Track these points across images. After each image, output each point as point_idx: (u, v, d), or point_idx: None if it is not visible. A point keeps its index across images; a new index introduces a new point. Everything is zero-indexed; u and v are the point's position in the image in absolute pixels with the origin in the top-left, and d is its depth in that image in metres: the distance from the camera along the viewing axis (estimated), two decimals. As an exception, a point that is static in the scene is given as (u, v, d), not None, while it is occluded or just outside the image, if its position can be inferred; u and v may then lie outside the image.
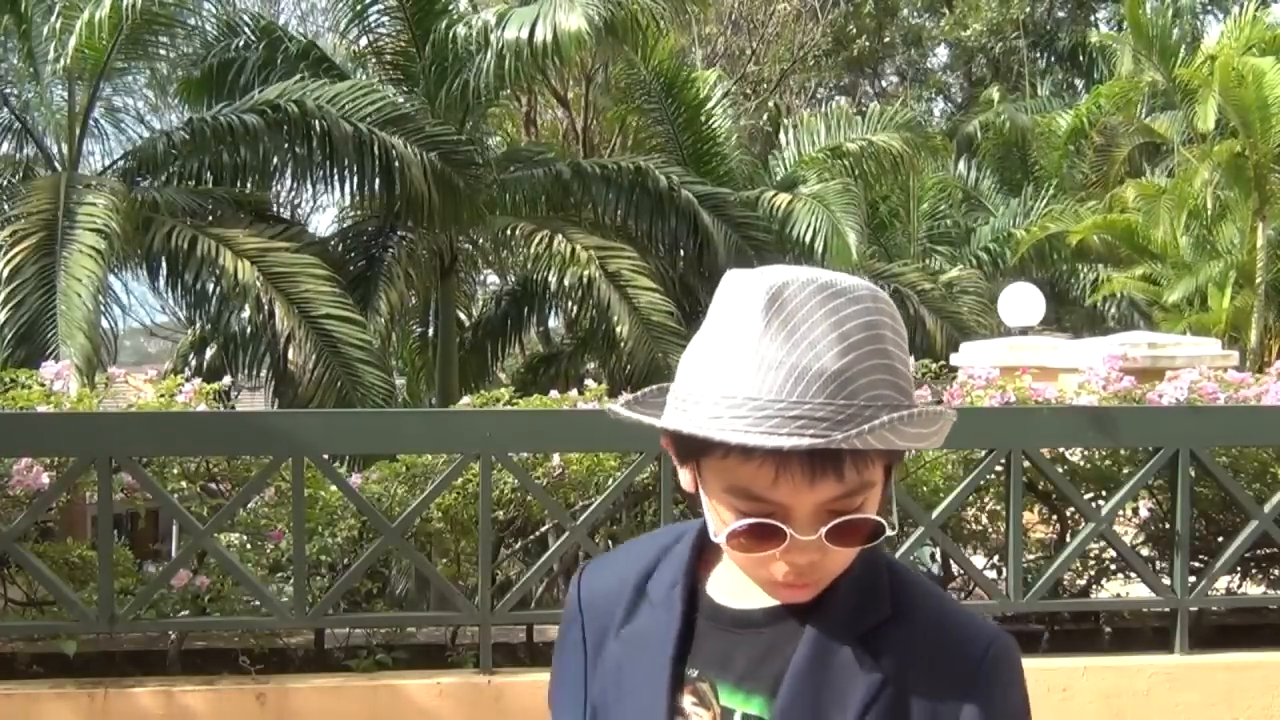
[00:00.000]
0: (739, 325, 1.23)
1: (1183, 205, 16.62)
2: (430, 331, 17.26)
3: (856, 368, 1.21)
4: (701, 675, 1.33)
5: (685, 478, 1.33)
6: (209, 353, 15.17)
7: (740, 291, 1.25)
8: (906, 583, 1.34)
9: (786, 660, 1.29)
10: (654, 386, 1.37)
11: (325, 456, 4.27)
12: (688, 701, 1.33)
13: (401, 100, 14.76)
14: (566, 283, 14.70)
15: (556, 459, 4.53)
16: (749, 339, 1.22)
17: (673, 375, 1.31)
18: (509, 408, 4.76)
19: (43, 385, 4.54)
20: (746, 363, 1.21)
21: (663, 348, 13.81)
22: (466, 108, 15.03)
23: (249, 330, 13.79)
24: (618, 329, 14.00)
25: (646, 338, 13.96)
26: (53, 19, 13.25)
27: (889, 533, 1.28)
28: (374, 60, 15.83)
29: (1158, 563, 4.81)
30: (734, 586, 1.35)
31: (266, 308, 12.48)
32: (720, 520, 1.27)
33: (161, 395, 4.57)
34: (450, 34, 14.59)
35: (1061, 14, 30.07)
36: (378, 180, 14.05)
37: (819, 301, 1.22)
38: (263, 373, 13.94)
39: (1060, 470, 4.63)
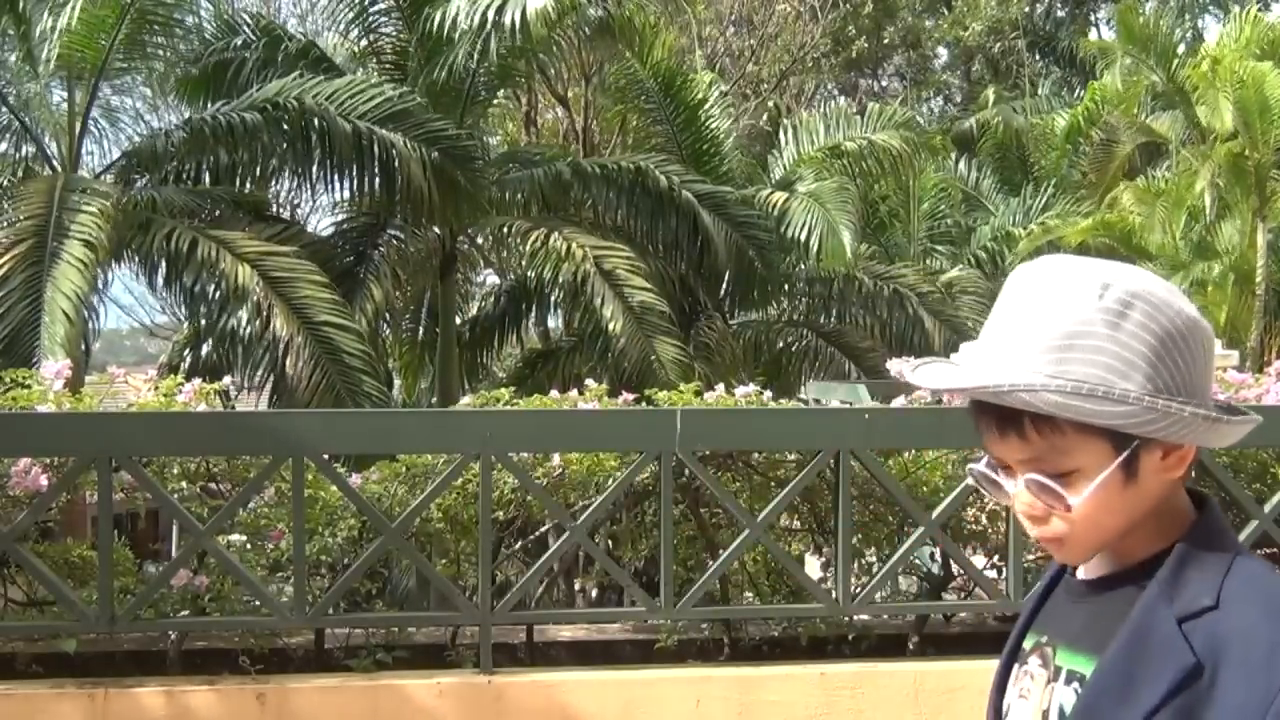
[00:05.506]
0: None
1: (1180, 206, 16.58)
2: (420, 331, 17.23)
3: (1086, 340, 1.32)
4: (1049, 640, 1.48)
5: None
6: (204, 349, 15.14)
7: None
8: (1246, 576, 1.33)
9: (1114, 627, 1.35)
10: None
11: (325, 456, 4.27)
12: (1034, 663, 1.48)
13: (400, 97, 14.74)
14: (561, 279, 14.70)
15: (556, 459, 4.53)
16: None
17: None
18: (509, 408, 4.76)
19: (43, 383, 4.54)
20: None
21: (655, 346, 13.79)
22: (464, 104, 15.01)
23: (247, 333, 13.76)
24: (611, 325, 13.99)
25: (639, 335, 13.93)
26: (44, 18, 13.20)
27: (1073, 501, 1.34)
28: (374, 60, 15.82)
29: (1157, 563, 4.79)
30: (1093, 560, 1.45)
31: (265, 313, 12.44)
32: None
33: (162, 395, 4.57)
34: (429, 24, 14.58)
35: (1061, 14, 30.05)
36: (377, 178, 14.03)
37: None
38: (259, 375, 13.91)
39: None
